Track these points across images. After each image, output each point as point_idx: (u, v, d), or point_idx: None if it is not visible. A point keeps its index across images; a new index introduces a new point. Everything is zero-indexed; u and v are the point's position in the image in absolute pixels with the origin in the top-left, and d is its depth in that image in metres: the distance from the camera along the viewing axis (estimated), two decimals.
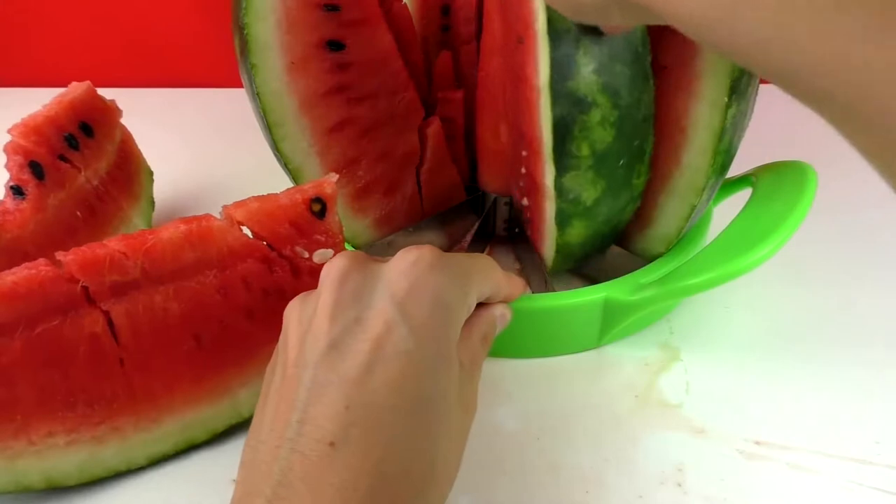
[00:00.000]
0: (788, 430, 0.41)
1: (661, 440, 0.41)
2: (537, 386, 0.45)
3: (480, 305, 0.37)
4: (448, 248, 0.56)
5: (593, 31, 0.36)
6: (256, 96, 0.43)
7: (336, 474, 0.26)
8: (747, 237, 0.41)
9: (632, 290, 0.44)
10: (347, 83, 0.45)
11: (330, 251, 0.40)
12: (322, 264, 0.40)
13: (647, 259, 0.47)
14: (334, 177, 0.40)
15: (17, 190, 0.48)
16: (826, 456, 0.39)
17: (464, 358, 0.33)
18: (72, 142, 0.51)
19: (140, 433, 0.39)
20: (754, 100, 0.42)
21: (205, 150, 0.72)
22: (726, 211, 0.46)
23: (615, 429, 0.42)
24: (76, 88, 0.53)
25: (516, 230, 0.56)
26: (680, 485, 0.38)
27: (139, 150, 0.59)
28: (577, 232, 0.44)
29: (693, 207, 0.43)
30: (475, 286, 0.34)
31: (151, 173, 0.60)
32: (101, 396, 0.37)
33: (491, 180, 0.54)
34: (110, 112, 0.56)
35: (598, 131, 0.39)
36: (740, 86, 0.39)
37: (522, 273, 0.53)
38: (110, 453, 0.39)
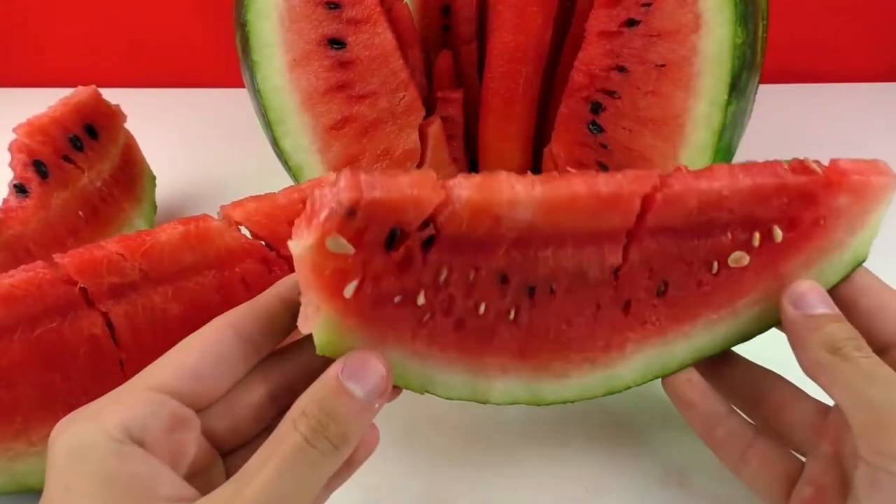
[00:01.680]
0: None
1: (661, 440, 0.41)
2: None
3: None
4: None
5: None
6: (257, 93, 0.43)
7: None
8: None
9: None
10: (348, 81, 0.45)
11: None
12: None
13: None
14: (332, 175, 0.40)
15: (20, 188, 0.48)
16: None
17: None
18: (76, 143, 0.51)
19: None
20: (754, 98, 0.42)
21: (205, 150, 0.72)
22: None
23: (616, 429, 0.42)
24: (82, 92, 0.53)
25: None
26: (681, 485, 0.38)
27: (142, 155, 0.60)
28: None
29: None
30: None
31: (154, 178, 0.60)
32: (101, 397, 0.37)
33: None
34: (114, 116, 0.56)
35: None
36: (740, 83, 0.39)
37: None
38: None
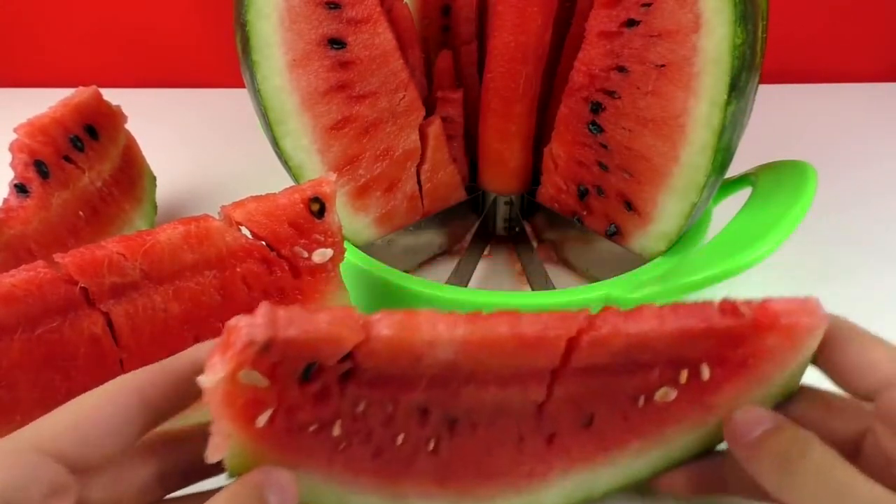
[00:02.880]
0: None
1: None
2: None
3: None
4: (448, 247, 0.56)
5: None
6: (257, 93, 0.43)
7: None
8: (747, 235, 0.41)
9: (632, 288, 0.44)
10: (348, 81, 0.45)
11: (329, 251, 0.40)
12: (322, 264, 0.40)
13: (648, 257, 0.47)
14: (332, 176, 0.40)
15: (21, 188, 0.48)
16: None
17: None
18: (77, 143, 0.51)
19: None
20: (754, 97, 0.42)
21: (205, 150, 0.72)
22: (726, 210, 0.46)
23: None
24: (82, 92, 0.53)
25: (516, 229, 0.56)
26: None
27: (143, 155, 0.60)
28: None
29: (693, 205, 0.43)
30: None
31: (154, 178, 0.60)
32: None
33: (492, 180, 0.54)
34: (115, 116, 0.56)
35: None
36: (739, 83, 0.39)
37: (524, 272, 0.53)
38: None
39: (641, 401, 0.32)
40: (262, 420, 0.27)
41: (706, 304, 0.32)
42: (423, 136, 0.50)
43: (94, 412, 0.26)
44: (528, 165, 0.53)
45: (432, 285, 0.45)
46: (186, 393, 0.28)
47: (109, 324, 0.37)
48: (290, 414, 0.28)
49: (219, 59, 0.80)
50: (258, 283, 0.40)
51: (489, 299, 0.44)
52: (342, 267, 0.42)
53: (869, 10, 0.80)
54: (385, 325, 0.28)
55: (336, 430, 0.29)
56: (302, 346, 0.27)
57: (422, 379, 0.29)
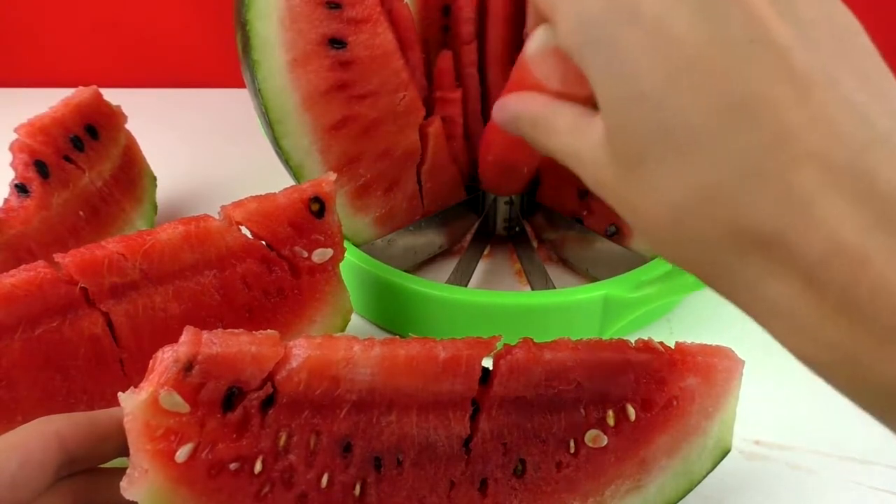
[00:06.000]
0: (788, 430, 0.41)
1: None
2: None
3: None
4: (448, 247, 0.56)
5: None
6: (258, 93, 0.43)
7: None
8: None
9: (632, 288, 0.44)
10: (349, 81, 0.45)
11: (329, 251, 0.40)
12: (322, 264, 0.41)
13: (648, 257, 0.47)
14: (332, 176, 0.40)
15: (21, 188, 0.48)
16: (826, 456, 0.39)
17: None
18: (77, 143, 0.51)
19: None
20: None
21: (205, 150, 0.72)
22: None
23: None
24: (83, 92, 0.53)
25: (516, 229, 0.56)
26: None
27: (143, 155, 0.60)
28: None
29: None
30: None
31: (155, 178, 0.60)
32: (101, 397, 0.37)
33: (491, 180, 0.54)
34: (115, 116, 0.56)
35: None
36: None
37: (524, 272, 0.53)
38: None
39: (573, 446, 0.32)
40: (183, 455, 0.27)
41: (621, 341, 0.32)
42: (424, 136, 0.50)
43: (17, 458, 0.26)
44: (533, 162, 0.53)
45: (432, 285, 0.45)
46: (109, 449, 0.28)
47: (109, 324, 0.37)
48: (212, 449, 0.28)
49: (219, 59, 0.80)
50: (258, 282, 0.40)
51: (489, 299, 0.44)
52: (342, 267, 0.42)
53: (869, 9, 0.80)
54: (304, 346, 0.28)
55: (257, 467, 0.28)
56: (223, 365, 0.27)
57: (342, 405, 0.29)
